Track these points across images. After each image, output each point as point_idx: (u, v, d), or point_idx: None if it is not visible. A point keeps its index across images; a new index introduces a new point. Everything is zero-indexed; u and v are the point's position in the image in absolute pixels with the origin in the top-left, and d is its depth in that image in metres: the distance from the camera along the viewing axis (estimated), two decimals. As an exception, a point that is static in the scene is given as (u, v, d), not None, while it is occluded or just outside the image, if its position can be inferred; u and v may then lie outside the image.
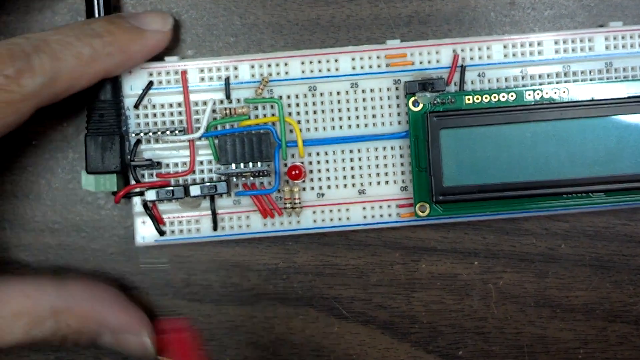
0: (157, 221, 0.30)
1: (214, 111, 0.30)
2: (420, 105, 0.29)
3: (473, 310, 0.32)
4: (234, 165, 0.29)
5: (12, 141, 0.31)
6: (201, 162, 0.30)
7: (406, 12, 0.32)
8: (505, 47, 0.30)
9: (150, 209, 0.30)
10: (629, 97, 0.29)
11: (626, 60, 0.30)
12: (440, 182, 0.28)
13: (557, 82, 0.30)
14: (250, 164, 0.29)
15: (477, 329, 0.31)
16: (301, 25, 0.32)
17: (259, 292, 0.31)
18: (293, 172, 0.29)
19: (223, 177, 0.30)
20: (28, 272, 0.31)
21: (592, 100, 0.29)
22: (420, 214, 0.29)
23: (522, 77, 0.30)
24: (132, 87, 0.30)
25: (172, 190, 0.29)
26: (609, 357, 0.31)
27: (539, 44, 0.30)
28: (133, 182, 0.29)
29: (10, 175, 0.31)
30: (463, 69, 0.30)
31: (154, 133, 0.30)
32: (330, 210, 0.30)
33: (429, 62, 0.30)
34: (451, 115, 0.28)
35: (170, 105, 0.30)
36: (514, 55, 0.30)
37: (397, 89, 0.30)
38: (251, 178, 0.30)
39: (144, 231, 0.30)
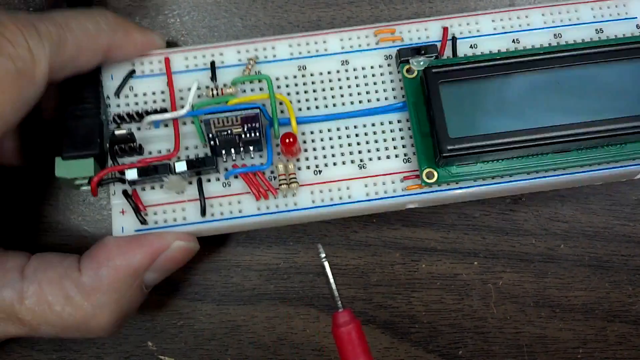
0: (138, 209, 0.27)
1: (199, 96, 0.28)
2: (415, 72, 0.28)
3: (473, 310, 0.32)
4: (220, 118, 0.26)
5: (15, 142, 0.32)
6: (186, 148, 0.28)
7: (406, 14, 0.32)
8: (493, 20, 0.30)
9: (131, 197, 0.27)
10: (627, 43, 0.28)
11: (617, 27, 0.30)
12: (445, 134, 0.27)
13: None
14: (242, 131, 0.26)
15: (476, 329, 0.32)
16: (302, 27, 0.32)
17: (260, 291, 0.32)
18: (287, 140, 0.27)
19: (211, 141, 0.27)
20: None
21: (590, 42, 0.28)
22: (427, 180, 0.27)
23: (515, 49, 0.29)
24: (112, 76, 0.29)
25: (156, 167, 0.27)
26: (608, 356, 0.32)
27: (527, 16, 0.30)
28: (111, 164, 0.27)
29: (13, 176, 0.32)
30: (454, 40, 0.29)
31: (138, 114, 0.28)
32: (330, 190, 0.28)
33: (419, 38, 0.29)
34: (450, 69, 0.27)
35: (154, 93, 0.29)
36: (503, 28, 0.30)
37: (389, 65, 0.29)
38: (241, 149, 0.27)
39: (123, 221, 0.27)
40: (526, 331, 0.32)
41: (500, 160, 0.28)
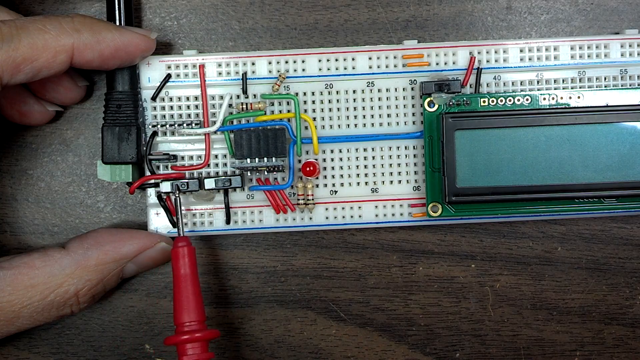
0: (171, 213, 0.30)
1: (230, 105, 0.30)
2: (436, 106, 0.29)
3: (470, 313, 0.32)
4: (248, 160, 0.29)
5: (12, 144, 0.32)
6: (216, 156, 0.30)
7: (403, 17, 0.32)
8: (521, 51, 0.30)
9: (164, 201, 0.30)
10: None
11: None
12: (453, 183, 0.29)
13: (572, 88, 0.30)
14: (265, 159, 0.29)
15: (474, 332, 0.32)
16: (299, 30, 0.32)
17: (257, 294, 0.32)
18: (307, 169, 0.29)
19: (238, 172, 0.30)
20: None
21: (607, 106, 0.29)
22: (432, 214, 0.29)
23: (538, 82, 0.30)
24: (149, 79, 0.30)
25: (187, 183, 0.29)
26: (605, 359, 0.32)
27: (555, 49, 0.30)
28: (148, 173, 0.30)
29: (10, 178, 0.32)
30: (479, 71, 0.30)
31: (171, 125, 0.30)
32: (343, 208, 0.30)
33: (445, 63, 0.30)
34: (466, 117, 0.29)
35: (187, 99, 0.30)
36: (530, 59, 0.30)
37: (412, 89, 0.30)
38: (265, 173, 0.30)
39: (157, 222, 0.30)
40: (523, 334, 0.32)
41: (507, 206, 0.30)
